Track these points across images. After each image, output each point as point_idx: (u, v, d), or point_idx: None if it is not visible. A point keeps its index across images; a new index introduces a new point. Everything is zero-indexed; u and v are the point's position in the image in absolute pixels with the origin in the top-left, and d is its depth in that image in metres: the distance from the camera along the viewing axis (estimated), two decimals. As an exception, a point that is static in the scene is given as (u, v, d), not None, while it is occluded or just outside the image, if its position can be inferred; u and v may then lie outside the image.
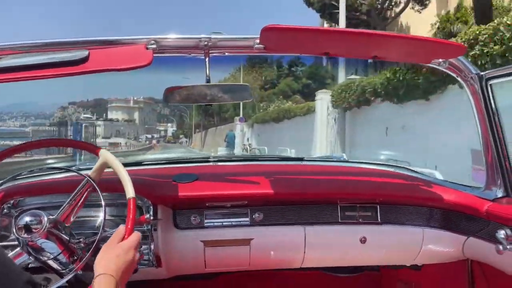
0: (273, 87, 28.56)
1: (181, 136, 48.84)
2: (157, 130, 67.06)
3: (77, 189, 1.19)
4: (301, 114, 15.03)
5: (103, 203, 1.15)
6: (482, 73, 1.44)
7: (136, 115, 70.98)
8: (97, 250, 1.23)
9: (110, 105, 70.06)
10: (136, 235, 1.06)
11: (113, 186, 1.27)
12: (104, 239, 1.25)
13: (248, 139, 22.14)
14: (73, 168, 1.52)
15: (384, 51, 1.38)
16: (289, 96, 25.28)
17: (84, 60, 1.15)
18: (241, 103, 21.01)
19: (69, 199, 1.19)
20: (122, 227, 1.06)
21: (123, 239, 1.03)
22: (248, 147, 19.01)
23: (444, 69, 1.46)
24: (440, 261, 1.68)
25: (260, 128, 21.50)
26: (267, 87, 28.47)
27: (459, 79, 1.48)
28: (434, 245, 1.62)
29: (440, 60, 1.42)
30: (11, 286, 0.67)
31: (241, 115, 23.74)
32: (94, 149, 1.26)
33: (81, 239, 1.20)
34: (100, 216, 1.39)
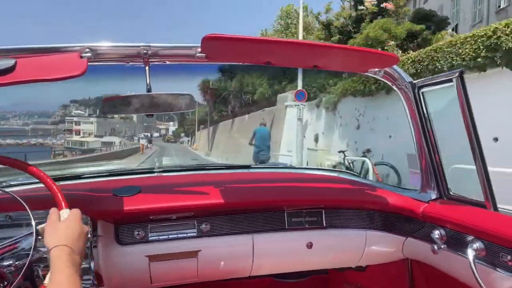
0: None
1: (182, 134, 45.11)
2: (157, 128, 61.66)
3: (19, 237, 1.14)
4: None
5: (33, 223, 1.07)
6: (414, 82, 1.52)
7: (133, 112, 66.24)
8: (29, 272, 1.14)
9: (105, 101, 65.06)
10: (73, 211, 1.03)
11: (41, 202, 1.19)
12: (38, 260, 1.16)
13: (316, 136, 11.69)
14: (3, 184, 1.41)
15: (324, 61, 1.41)
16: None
17: (10, 70, 1.07)
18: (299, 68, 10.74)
19: (7, 242, 1.13)
20: (53, 209, 1.02)
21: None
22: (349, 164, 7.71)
23: (380, 78, 1.53)
24: (383, 262, 1.75)
25: (364, 106, 9.51)
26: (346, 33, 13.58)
27: (394, 87, 1.56)
28: (376, 246, 1.69)
29: (376, 69, 1.48)
30: None
31: (299, 87, 11.92)
32: (26, 168, 1.13)
33: (11, 263, 1.11)
34: (31, 236, 1.30)
